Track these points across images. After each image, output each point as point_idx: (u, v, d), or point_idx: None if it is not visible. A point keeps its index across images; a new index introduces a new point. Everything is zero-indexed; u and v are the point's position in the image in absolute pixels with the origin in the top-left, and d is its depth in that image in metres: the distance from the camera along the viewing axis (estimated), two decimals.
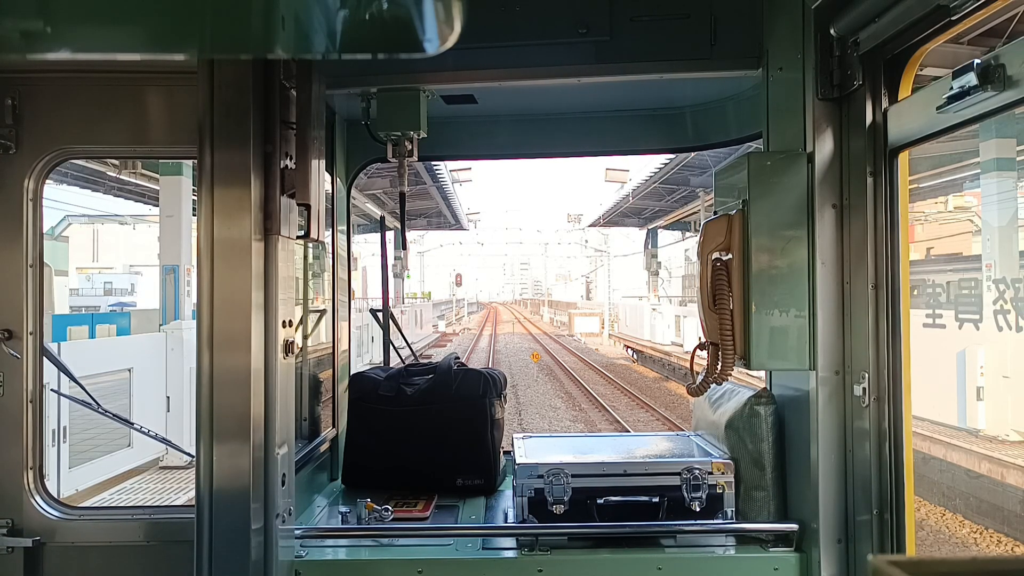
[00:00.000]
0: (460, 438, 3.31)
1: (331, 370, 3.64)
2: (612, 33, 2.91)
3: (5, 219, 2.76)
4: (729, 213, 2.69)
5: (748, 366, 2.63)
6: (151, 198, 25.34)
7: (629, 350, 36.44)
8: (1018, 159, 13.56)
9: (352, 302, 3.99)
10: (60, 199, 29.35)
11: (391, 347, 3.91)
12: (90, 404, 3.28)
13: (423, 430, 3.31)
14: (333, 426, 3.62)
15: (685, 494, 2.82)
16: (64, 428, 9.42)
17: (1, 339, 2.74)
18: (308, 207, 2.62)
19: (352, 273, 4.05)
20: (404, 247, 5.86)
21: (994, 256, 12.96)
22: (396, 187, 3.53)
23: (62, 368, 3.25)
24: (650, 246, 38.32)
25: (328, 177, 3.46)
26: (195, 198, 2.51)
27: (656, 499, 2.83)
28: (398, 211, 3.84)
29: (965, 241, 23.72)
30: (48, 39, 1.31)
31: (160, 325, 15.40)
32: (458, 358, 3.62)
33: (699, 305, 2.76)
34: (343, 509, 2.97)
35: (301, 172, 2.59)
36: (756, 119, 3.00)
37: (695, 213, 30.21)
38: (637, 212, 35.64)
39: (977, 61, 1.89)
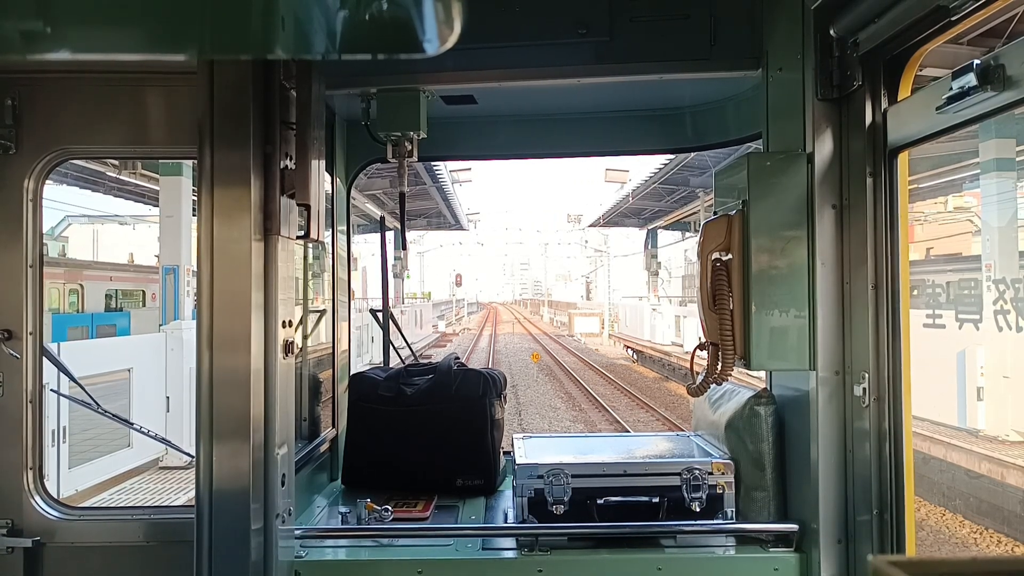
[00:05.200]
0: (460, 438, 3.31)
1: (331, 370, 3.64)
2: (612, 33, 2.91)
3: (5, 219, 2.76)
4: (729, 213, 2.69)
5: (748, 366, 2.63)
6: (151, 198, 25.38)
7: (629, 350, 36.44)
8: (1018, 159, 13.56)
9: (352, 302, 3.99)
10: (60, 199, 29.51)
11: (391, 347, 3.91)
12: (90, 404, 3.28)
13: (423, 430, 3.31)
14: (333, 426, 3.62)
15: (685, 494, 2.82)
16: (64, 428, 9.42)
17: (1, 339, 2.74)
18: (308, 207, 2.62)
19: (352, 273, 4.05)
20: (404, 247, 5.88)
21: (994, 256, 12.96)
22: (396, 187, 3.53)
23: (62, 368, 3.25)
24: (650, 246, 38.32)
25: (328, 177, 3.46)
26: (195, 198, 2.51)
27: (656, 499, 2.83)
28: (398, 211, 3.83)
29: (965, 241, 23.73)
30: (48, 39, 1.31)
31: (160, 325, 15.41)
32: (458, 358, 3.62)
33: (699, 305, 2.76)
34: (343, 509, 2.97)
35: (301, 172, 2.59)
36: (756, 119, 3.00)
37: (695, 213, 30.21)
38: (637, 212, 35.65)
39: (977, 62, 1.89)
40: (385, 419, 3.36)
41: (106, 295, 27.93)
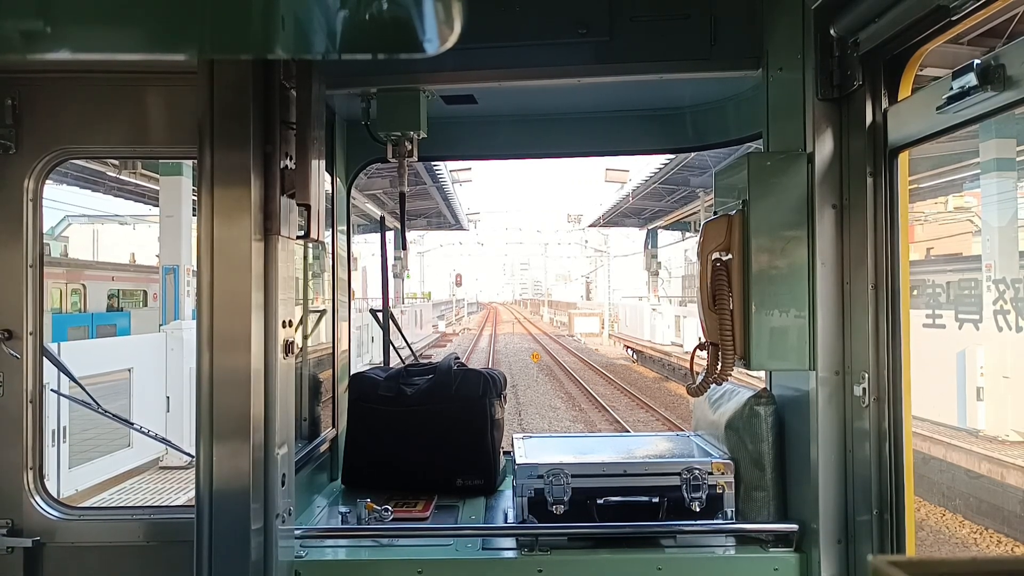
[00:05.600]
0: (460, 438, 3.31)
1: (331, 370, 3.64)
2: (612, 33, 2.91)
3: (5, 219, 2.76)
4: (729, 213, 2.69)
5: (748, 366, 2.63)
6: (151, 198, 25.39)
7: (629, 350, 36.44)
8: (1018, 159, 13.55)
9: (352, 302, 3.99)
10: (60, 199, 29.60)
11: (391, 347, 3.91)
12: (90, 404, 3.28)
13: (423, 430, 3.31)
14: (333, 426, 3.62)
15: (685, 494, 2.82)
16: (64, 428, 9.41)
17: (1, 339, 2.74)
18: (308, 207, 2.62)
19: (352, 273, 4.04)
20: (404, 247, 5.88)
21: (994, 256, 12.96)
22: (396, 187, 3.53)
23: (62, 368, 3.24)
24: (650, 246, 38.32)
25: (328, 177, 3.46)
26: (195, 198, 2.51)
27: (656, 499, 2.83)
28: (398, 211, 3.83)
29: (965, 241, 23.73)
30: (48, 39, 1.31)
31: (160, 325, 15.41)
32: (458, 358, 3.62)
33: (699, 305, 2.76)
34: (343, 509, 2.97)
35: (301, 172, 2.59)
36: (756, 119, 3.00)
37: (695, 213, 30.21)
38: (637, 212, 35.63)
39: (977, 61, 1.90)
40: (385, 419, 3.36)
41: (109, 295, 28.13)
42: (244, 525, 2.44)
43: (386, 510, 2.93)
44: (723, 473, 2.84)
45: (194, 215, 2.58)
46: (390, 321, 3.89)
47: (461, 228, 45.41)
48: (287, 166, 2.57)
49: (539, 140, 3.73)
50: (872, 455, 2.47)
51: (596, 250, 62.08)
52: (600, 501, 2.83)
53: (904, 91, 2.45)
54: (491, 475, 3.33)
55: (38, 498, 2.79)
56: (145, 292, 29.06)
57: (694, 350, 2.87)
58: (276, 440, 2.52)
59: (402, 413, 3.35)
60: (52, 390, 6.13)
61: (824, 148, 2.58)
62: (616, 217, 37.69)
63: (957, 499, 10.98)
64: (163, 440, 3.87)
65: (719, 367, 2.67)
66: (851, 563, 2.56)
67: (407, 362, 3.74)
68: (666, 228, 37.88)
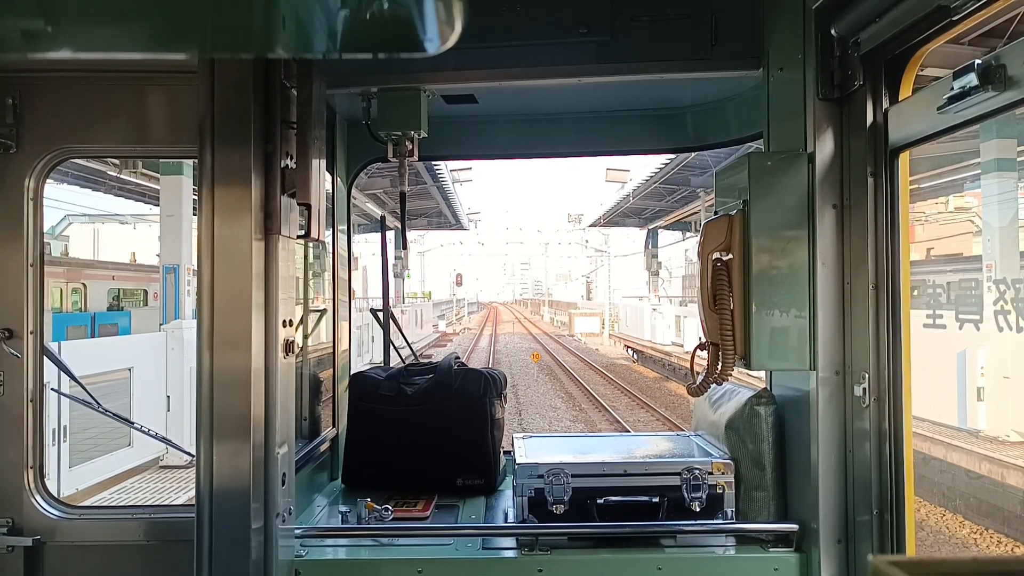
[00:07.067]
0: (460, 438, 3.31)
1: (331, 370, 3.64)
2: (613, 33, 2.91)
3: (6, 218, 2.76)
4: (730, 213, 2.69)
5: (748, 366, 2.63)
6: (152, 197, 25.40)
7: (629, 350, 36.44)
8: (1019, 160, 13.55)
9: (352, 302, 3.99)
10: (61, 198, 29.62)
11: (391, 347, 3.91)
12: (90, 403, 3.28)
13: (423, 430, 3.31)
14: (333, 426, 3.63)
15: (685, 494, 2.82)
16: (64, 427, 9.42)
17: (1, 338, 2.74)
18: (309, 207, 2.62)
19: (352, 273, 4.04)
20: (404, 247, 5.85)
21: (995, 257, 12.95)
22: (396, 187, 3.53)
23: (62, 367, 3.24)
24: (650, 246, 38.33)
25: (328, 177, 3.46)
26: (196, 197, 2.51)
27: (656, 499, 2.83)
28: (398, 211, 3.83)
29: (966, 242, 23.73)
30: (49, 39, 1.31)
31: (160, 324, 15.41)
32: (458, 358, 3.62)
33: (699, 305, 2.76)
34: (343, 509, 2.97)
35: (302, 172, 2.59)
36: (757, 119, 3.00)
37: (695, 213, 30.20)
38: (637, 212, 35.64)
39: (978, 61, 1.90)
40: (385, 418, 3.36)
41: (110, 294, 28.15)
42: (244, 524, 2.44)
43: (386, 510, 2.93)
44: (723, 473, 2.84)
45: (195, 214, 2.59)
46: (390, 321, 3.89)
47: (462, 228, 45.39)
48: (288, 165, 2.57)
49: (540, 140, 3.73)
50: (872, 455, 2.47)
51: (596, 250, 62.07)
52: (600, 501, 2.83)
53: (905, 91, 2.45)
54: (491, 475, 3.33)
55: (38, 497, 2.79)
56: (146, 291, 29.06)
57: (694, 350, 2.87)
58: (276, 439, 2.52)
59: (402, 413, 3.35)
60: (52, 389, 6.13)
61: (825, 148, 2.58)
62: (616, 217, 37.70)
63: (957, 499, 10.98)
64: (163, 439, 3.87)
65: (719, 367, 2.67)
66: (851, 563, 2.56)
67: (407, 362, 3.74)
68: (666, 228, 37.89)
